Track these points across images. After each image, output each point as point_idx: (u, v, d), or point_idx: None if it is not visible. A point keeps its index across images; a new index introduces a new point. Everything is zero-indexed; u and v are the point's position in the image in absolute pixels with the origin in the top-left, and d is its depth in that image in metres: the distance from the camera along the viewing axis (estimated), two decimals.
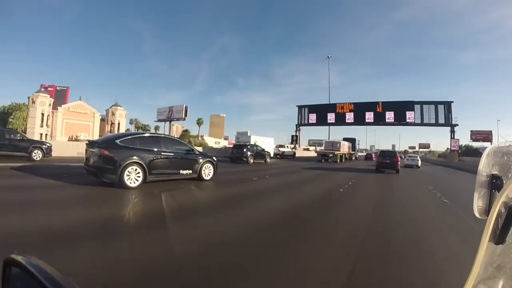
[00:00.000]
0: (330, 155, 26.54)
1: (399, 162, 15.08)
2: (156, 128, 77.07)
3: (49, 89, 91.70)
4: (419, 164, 23.30)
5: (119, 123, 58.38)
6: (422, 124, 39.83)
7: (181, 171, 7.26)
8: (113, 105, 62.18)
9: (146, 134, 7.03)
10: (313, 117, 47.13)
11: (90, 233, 3.26)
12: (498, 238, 0.52)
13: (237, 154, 18.37)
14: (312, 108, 47.78)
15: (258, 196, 6.45)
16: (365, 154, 49.24)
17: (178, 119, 45.70)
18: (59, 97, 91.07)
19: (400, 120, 40.01)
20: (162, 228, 3.54)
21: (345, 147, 29.97)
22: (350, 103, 44.44)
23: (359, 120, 42.96)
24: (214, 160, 8.33)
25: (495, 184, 0.60)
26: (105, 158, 5.83)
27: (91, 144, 6.46)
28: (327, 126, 47.58)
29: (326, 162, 24.53)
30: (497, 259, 0.54)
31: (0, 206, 4.06)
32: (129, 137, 6.54)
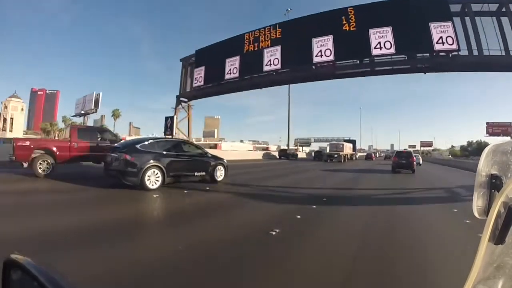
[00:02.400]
0: (335, 156, 29.97)
1: (414, 162, 15.84)
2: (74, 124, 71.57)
3: (39, 92, 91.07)
4: (421, 162, 26.62)
5: (12, 118, 50.09)
6: (479, 60, 14.37)
7: (195, 173, 7.82)
8: (9, 96, 53.68)
9: (163, 139, 7.59)
10: (200, 75, 22.53)
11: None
12: (498, 238, 0.53)
13: (318, 156, 34.52)
14: (200, 57, 23.41)
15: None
16: (365, 154, 50.70)
17: (87, 113, 37.18)
18: (49, 101, 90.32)
19: (412, 49, 15.24)
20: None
21: (347, 148, 33.51)
22: (275, 26, 19.46)
23: (297, 63, 18.13)
24: (225, 162, 8.89)
25: (494, 184, 0.61)
26: (127, 162, 6.37)
27: (112, 149, 7.01)
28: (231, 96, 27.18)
29: (331, 162, 27.69)
30: (497, 259, 0.55)
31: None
32: (148, 141, 7.09)
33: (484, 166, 0.63)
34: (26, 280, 0.49)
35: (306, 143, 68.60)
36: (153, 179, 6.61)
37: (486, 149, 0.64)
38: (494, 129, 48.53)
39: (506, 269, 0.55)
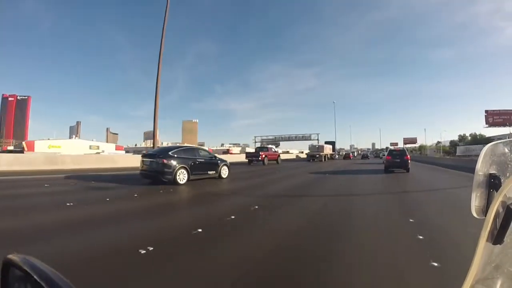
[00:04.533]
0: (317, 156, 36.18)
1: (409, 161, 15.53)
2: None
3: (9, 99, 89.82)
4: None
5: None
6: None
7: (208, 172, 11.00)
8: None
9: (186, 146, 10.73)
10: None
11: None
12: (496, 238, 0.55)
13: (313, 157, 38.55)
14: None
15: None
16: (344, 154, 55.33)
17: None
18: (21, 107, 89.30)
19: None
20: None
21: (327, 149, 39.98)
22: None
23: None
24: (228, 163, 12.13)
25: (493, 183, 0.64)
26: (164, 165, 9.40)
27: (149, 155, 10.00)
28: None
29: (313, 162, 33.05)
30: (495, 259, 0.58)
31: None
32: (176, 149, 10.20)
33: (483, 165, 0.65)
34: (25, 279, 0.53)
35: (275, 144, 64.68)
36: (181, 177, 9.69)
37: (485, 149, 0.67)
38: (495, 118, 44.17)
39: (504, 269, 0.58)
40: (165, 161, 9.44)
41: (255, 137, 71.47)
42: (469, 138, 69.28)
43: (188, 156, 10.27)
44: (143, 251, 3.04)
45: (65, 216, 4.87)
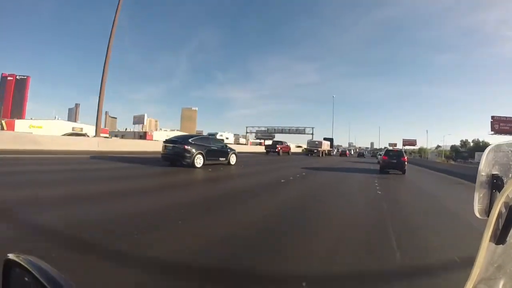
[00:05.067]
0: (315, 151, 39.84)
1: (406, 162, 15.30)
2: None
3: (9, 78, 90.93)
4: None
5: None
6: None
7: (220, 158, 12.85)
8: None
9: (202, 136, 12.56)
10: None
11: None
12: (499, 238, 0.56)
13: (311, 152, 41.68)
14: None
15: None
16: (340, 151, 57.81)
17: None
18: (19, 87, 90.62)
19: None
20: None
21: (325, 145, 43.24)
22: None
23: None
24: (236, 152, 14.00)
25: (495, 184, 0.65)
26: (186, 150, 11.18)
27: (171, 141, 11.78)
28: None
29: (311, 156, 36.31)
30: (498, 259, 0.59)
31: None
32: (195, 137, 12.00)
33: (485, 166, 0.67)
34: (26, 278, 0.53)
35: (268, 136, 64.38)
36: (198, 161, 11.48)
37: (487, 149, 0.68)
38: (501, 125, 41.69)
39: (507, 269, 0.58)
40: (186, 147, 11.25)
41: (247, 127, 70.74)
42: (472, 144, 68.73)
43: (204, 143, 12.10)
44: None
45: None
